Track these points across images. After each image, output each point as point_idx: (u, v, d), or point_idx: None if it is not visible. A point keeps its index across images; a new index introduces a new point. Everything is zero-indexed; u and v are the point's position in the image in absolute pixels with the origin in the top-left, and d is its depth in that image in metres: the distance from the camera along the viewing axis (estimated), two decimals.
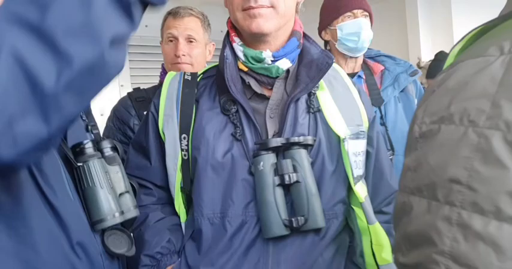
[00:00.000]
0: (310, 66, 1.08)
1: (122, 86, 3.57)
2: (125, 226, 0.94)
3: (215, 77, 1.14)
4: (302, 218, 1.00)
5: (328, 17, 1.90)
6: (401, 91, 1.86)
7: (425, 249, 0.49)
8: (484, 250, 0.45)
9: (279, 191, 1.01)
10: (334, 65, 1.20)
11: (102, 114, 2.62)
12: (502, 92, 0.46)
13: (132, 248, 0.92)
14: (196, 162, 1.06)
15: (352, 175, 1.05)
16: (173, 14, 1.75)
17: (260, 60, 1.05)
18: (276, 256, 1.01)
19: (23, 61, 0.51)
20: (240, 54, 1.07)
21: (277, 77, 1.07)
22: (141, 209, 1.03)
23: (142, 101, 1.75)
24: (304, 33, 1.13)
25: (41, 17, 0.52)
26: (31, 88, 0.52)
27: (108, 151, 0.95)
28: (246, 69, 1.07)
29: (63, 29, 0.53)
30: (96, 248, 0.84)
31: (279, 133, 1.05)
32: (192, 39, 1.73)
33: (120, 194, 0.93)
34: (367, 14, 1.88)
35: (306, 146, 1.04)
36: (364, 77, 1.89)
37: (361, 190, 1.07)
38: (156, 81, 1.92)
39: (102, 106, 2.13)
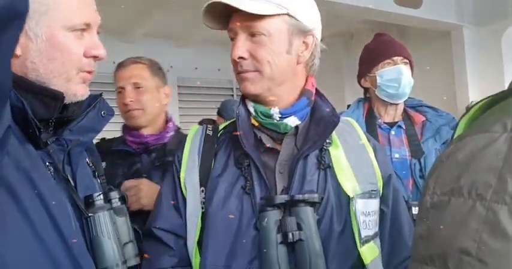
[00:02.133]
0: (319, 124, 1.11)
1: None
2: None
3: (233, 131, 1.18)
4: None
5: (368, 64, 1.87)
6: (443, 143, 1.77)
7: None
8: None
9: (282, 249, 1.00)
10: (352, 121, 1.22)
11: None
12: (507, 168, 0.49)
13: None
14: (207, 214, 1.08)
15: (360, 235, 1.04)
16: (119, 66, 1.77)
17: (269, 116, 1.10)
18: None
19: None
20: (252, 110, 1.12)
21: (285, 133, 1.11)
22: None
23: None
24: (317, 90, 1.16)
25: None
26: None
27: (116, 202, 1.02)
28: (257, 124, 1.12)
29: None
30: None
31: (287, 189, 1.06)
32: (138, 86, 1.71)
33: (125, 244, 1.00)
34: (407, 61, 1.83)
35: (312, 203, 1.03)
36: (404, 127, 1.82)
37: (368, 252, 1.05)
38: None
39: None
